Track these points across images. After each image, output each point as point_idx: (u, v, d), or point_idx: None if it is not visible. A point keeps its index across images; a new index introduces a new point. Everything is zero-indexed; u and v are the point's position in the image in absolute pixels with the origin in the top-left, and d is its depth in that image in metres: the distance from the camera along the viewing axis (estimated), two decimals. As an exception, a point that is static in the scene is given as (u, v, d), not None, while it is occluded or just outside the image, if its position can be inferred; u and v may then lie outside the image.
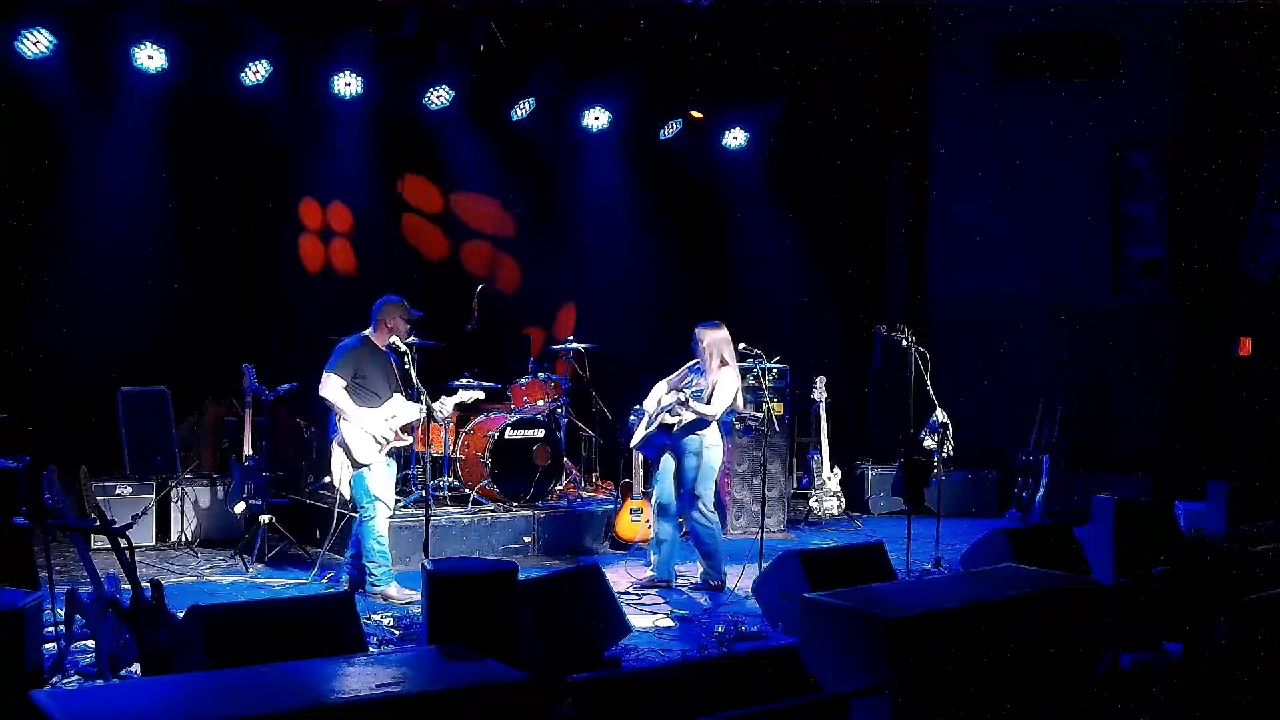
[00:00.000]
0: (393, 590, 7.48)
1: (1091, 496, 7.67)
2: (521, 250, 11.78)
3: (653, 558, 8.09)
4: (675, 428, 7.84)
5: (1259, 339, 11.59)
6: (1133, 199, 12.05)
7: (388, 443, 7.51)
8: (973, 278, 12.36)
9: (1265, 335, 11.57)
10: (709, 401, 7.74)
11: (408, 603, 7.30)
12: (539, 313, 11.64)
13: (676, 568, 8.20)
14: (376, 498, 7.49)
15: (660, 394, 7.99)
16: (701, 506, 7.86)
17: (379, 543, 7.50)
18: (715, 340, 7.84)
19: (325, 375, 7.39)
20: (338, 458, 7.51)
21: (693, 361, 8.01)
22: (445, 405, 7.87)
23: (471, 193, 11.52)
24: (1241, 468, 10.17)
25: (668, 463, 7.98)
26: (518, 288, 11.59)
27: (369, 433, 7.43)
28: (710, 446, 7.85)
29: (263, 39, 9.47)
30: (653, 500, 8.12)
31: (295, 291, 10.49)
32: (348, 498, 7.65)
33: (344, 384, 7.39)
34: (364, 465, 7.44)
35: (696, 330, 7.91)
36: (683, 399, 7.70)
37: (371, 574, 7.48)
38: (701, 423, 7.79)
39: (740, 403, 7.98)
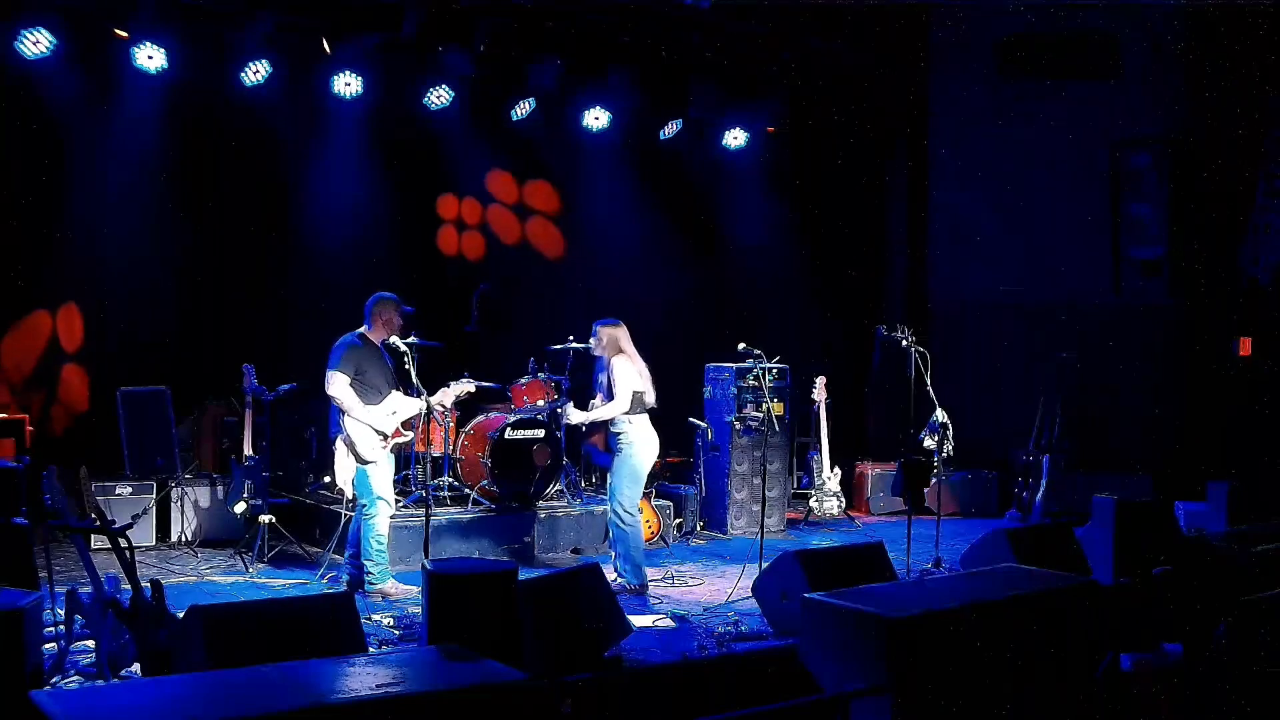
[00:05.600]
0: (389, 587, 7.49)
1: (1091, 496, 7.66)
2: (521, 250, 11.78)
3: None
4: (585, 429, 7.84)
5: (1259, 339, 11.59)
6: (1133, 199, 12.04)
7: (389, 437, 7.52)
8: (973, 278, 12.36)
9: (1265, 335, 11.56)
10: (612, 397, 7.75)
11: (406, 599, 7.31)
12: (540, 313, 11.61)
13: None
14: (380, 496, 7.51)
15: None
16: (618, 505, 7.79)
17: (378, 541, 7.51)
18: (613, 335, 7.86)
19: (330, 374, 7.40)
20: (341, 455, 7.53)
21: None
22: (445, 396, 7.87)
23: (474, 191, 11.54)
24: (1241, 468, 10.18)
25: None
26: (517, 286, 11.57)
27: (374, 429, 7.44)
28: (630, 444, 7.78)
29: (263, 39, 9.47)
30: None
31: (295, 291, 10.48)
32: (350, 496, 7.65)
33: (348, 381, 7.41)
34: (370, 462, 7.45)
35: (595, 326, 7.91)
36: (582, 414, 7.81)
37: (369, 571, 7.49)
38: (615, 420, 7.77)
39: (648, 391, 7.85)
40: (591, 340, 7.96)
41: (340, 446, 7.52)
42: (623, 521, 7.79)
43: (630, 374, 7.76)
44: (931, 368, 8.60)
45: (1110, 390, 11.73)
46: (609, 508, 7.90)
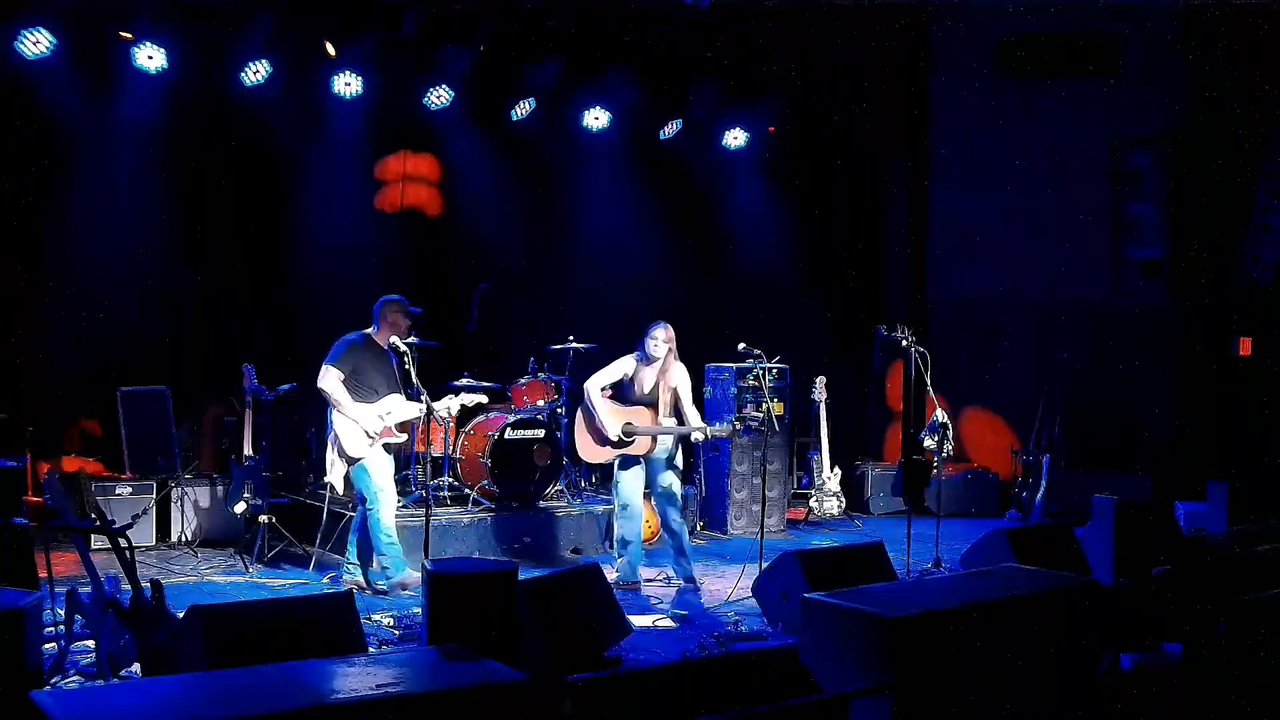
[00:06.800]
0: (408, 577, 7.46)
1: (1091, 496, 7.65)
2: (521, 250, 11.77)
3: (619, 560, 8.04)
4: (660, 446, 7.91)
5: (1259, 339, 11.58)
6: (1133, 199, 12.04)
7: (376, 436, 7.51)
8: (973, 277, 12.36)
9: (1265, 335, 11.55)
10: (684, 414, 7.90)
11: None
12: (540, 313, 11.62)
13: (666, 570, 8.24)
14: (380, 489, 7.50)
15: (598, 390, 7.94)
16: (678, 507, 8.06)
17: (387, 535, 7.50)
18: (670, 337, 7.92)
19: (324, 367, 7.44)
20: (330, 452, 7.55)
21: (632, 355, 8.00)
22: (451, 404, 7.84)
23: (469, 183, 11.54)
24: (1241, 468, 10.17)
25: (631, 464, 7.99)
26: (517, 286, 11.58)
27: (360, 426, 7.44)
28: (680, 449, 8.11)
29: (263, 40, 9.47)
30: (617, 502, 8.08)
31: (295, 291, 10.48)
32: (339, 491, 7.66)
33: (341, 377, 7.43)
34: (356, 459, 7.45)
35: (656, 329, 7.89)
36: (703, 430, 7.90)
37: (384, 567, 7.48)
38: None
39: None
40: (650, 341, 7.87)
41: (329, 443, 7.55)
42: (682, 519, 8.16)
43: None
44: (931, 368, 8.60)
45: (1110, 390, 11.72)
46: (669, 515, 8.01)
